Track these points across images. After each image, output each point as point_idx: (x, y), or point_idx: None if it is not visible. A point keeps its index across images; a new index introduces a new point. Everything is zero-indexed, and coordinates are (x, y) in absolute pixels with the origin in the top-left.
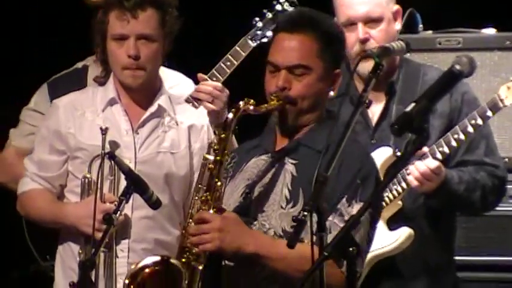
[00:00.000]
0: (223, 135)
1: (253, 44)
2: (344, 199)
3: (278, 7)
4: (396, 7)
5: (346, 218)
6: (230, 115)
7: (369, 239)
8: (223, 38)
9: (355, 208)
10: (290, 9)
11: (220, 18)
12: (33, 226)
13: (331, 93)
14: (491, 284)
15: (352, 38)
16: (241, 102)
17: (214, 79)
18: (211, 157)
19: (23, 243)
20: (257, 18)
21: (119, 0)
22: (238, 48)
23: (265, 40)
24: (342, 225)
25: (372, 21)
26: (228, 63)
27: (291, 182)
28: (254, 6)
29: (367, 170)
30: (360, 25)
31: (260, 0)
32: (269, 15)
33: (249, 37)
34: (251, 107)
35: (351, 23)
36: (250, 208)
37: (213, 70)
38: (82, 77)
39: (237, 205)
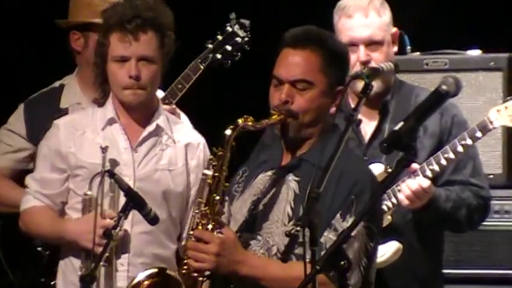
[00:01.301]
0: (221, 153)
1: (202, 67)
2: (338, 214)
3: (228, 29)
4: (394, 29)
5: (336, 225)
6: (228, 132)
7: (369, 252)
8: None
9: (350, 223)
10: (240, 32)
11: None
12: (6, 242)
13: (332, 109)
14: None
15: (353, 59)
16: (239, 120)
17: (167, 101)
18: (210, 172)
19: None
20: (209, 41)
21: (121, 23)
22: (189, 72)
23: (215, 62)
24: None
25: (373, 43)
26: (180, 85)
27: (293, 199)
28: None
29: (362, 185)
30: (362, 47)
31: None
32: (219, 37)
33: (199, 60)
34: (250, 123)
35: (353, 44)
36: (255, 224)
37: (166, 93)
38: (56, 96)
39: (243, 220)
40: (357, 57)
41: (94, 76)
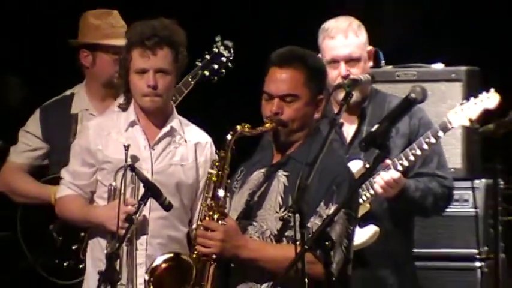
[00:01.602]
0: (223, 154)
1: (192, 82)
2: (322, 203)
3: (215, 50)
4: (370, 47)
5: (321, 212)
6: (229, 137)
7: (349, 234)
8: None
9: (332, 210)
10: (225, 52)
11: None
12: (25, 228)
13: (316, 115)
14: (441, 271)
15: (335, 74)
16: (238, 126)
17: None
18: (214, 171)
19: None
20: (198, 59)
21: (141, 41)
22: (181, 86)
23: (204, 78)
24: (315, 217)
25: (352, 60)
26: (173, 98)
27: (283, 190)
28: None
29: (342, 178)
30: (342, 64)
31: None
32: (207, 57)
33: (191, 76)
34: (246, 129)
35: (335, 61)
36: (251, 212)
37: None
38: (68, 103)
39: (241, 209)
40: (338, 72)
41: (106, 85)
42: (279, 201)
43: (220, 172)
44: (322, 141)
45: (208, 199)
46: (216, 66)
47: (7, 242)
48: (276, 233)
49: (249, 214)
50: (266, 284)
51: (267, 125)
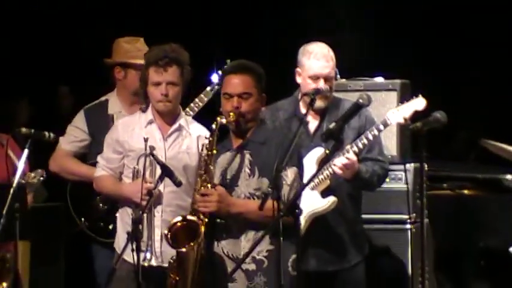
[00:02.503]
0: (211, 139)
1: (211, 93)
2: (283, 169)
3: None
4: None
5: (285, 178)
6: (213, 126)
7: (300, 185)
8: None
9: (289, 171)
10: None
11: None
12: (73, 200)
13: (263, 108)
14: (381, 231)
15: (314, 85)
16: (218, 118)
17: (191, 112)
18: (205, 152)
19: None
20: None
21: (155, 61)
22: (202, 96)
23: (215, 89)
24: (284, 185)
25: (329, 78)
26: (198, 104)
27: (249, 164)
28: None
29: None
30: (322, 80)
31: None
32: (220, 72)
33: (209, 88)
34: (223, 120)
35: (317, 77)
36: (229, 182)
37: (191, 104)
38: (104, 106)
39: (219, 182)
40: (316, 85)
41: (135, 94)
42: (247, 171)
43: (209, 152)
44: (294, 132)
45: (203, 173)
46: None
47: (60, 211)
48: (247, 195)
49: (226, 184)
50: (244, 235)
51: (231, 117)
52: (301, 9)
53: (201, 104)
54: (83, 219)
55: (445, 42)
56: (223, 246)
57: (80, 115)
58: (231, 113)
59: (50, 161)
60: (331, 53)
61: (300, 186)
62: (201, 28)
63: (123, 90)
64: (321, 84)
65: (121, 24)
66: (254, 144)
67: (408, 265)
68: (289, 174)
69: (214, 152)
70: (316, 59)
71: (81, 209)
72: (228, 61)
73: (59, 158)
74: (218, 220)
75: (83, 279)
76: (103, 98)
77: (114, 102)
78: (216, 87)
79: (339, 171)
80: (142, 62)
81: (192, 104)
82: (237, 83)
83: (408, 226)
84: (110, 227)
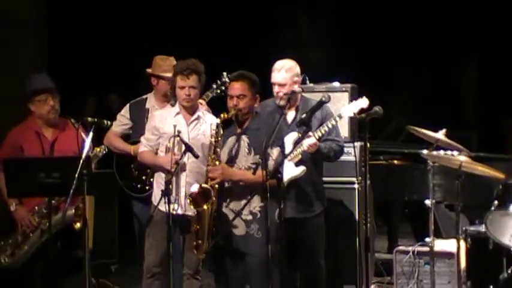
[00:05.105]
0: (217, 129)
1: (216, 91)
2: (269, 148)
3: (223, 79)
4: (298, 78)
5: (271, 154)
6: (218, 120)
7: (282, 158)
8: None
9: (274, 150)
10: (227, 80)
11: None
12: (118, 167)
13: (256, 105)
14: (336, 190)
15: (276, 90)
16: (221, 115)
17: (201, 101)
18: (213, 139)
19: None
20: (216, 83)
21: (181, 71)
22: (208, 93)
23: (219, 91)
24: (270, 159)
25: (281, 84)
26: (204, 97)
27: (247, 145)
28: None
29: (276, 136)
30: (277, 86)
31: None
32: (218, 82)
33: (211, 89)
34: (226, 115)
35: (274, 84)
36: (232, 159)
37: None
38: (143, 103)
39: (226, 159)
40: (275, 90)
41: (164, 95)
42: (246, 151)
43: (216, 140)
44: (276, 122)
45: (212, 154)
46: (222, 87)
47: (109, 176)
48: (246, 167)
49: (231, 160)
50: (244, 200)
51: (232, 112)
52: (279, 33)
53: (206, 99)
54: (122, 179)
55: (384, 56)
56: (229, 204)
57: (126, 107)
58: (232, 109)
59: (103, 139)
60: (287, 66)
61: (281, 159)
62: (208, 49)
63: (157, 93)
64: (276, 89)
65: (159, 44)
66: (251, 130)
67: (355, 213)
68: (275, 151)
69: (220, 139)
70: (276, 71)
71: (122, 174)
72: (225, 73)
73: (109, 137)
74: (226, 184)
75: (128, 222)
76: (144, 97)
77: (150, 99)
78: (215, 90)
79: (306, 149)
80: (169, 75)
81: (200, 100)
82: (236, 87)
83: (356, 186)
84: (139, 186)
